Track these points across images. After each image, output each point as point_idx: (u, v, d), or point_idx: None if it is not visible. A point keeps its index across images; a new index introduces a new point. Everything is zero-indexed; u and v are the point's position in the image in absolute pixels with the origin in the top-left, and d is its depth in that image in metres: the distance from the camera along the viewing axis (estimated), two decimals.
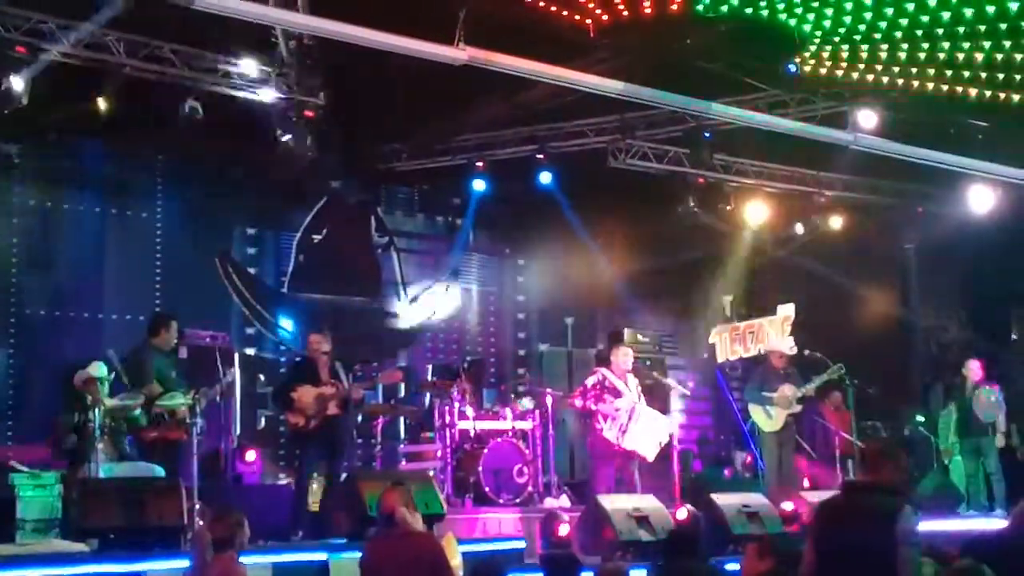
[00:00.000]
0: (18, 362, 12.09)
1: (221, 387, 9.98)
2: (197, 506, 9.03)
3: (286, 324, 13.88)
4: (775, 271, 16.09)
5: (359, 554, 8.41)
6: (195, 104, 10.86)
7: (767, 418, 12.35)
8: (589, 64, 11.13)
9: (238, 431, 11.94)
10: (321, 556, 8.71)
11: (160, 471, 9.59)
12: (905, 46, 11.42)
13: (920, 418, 14.80)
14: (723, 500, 10.32)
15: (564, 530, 9.93)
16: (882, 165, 13.89)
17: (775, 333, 14.33)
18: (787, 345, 12.77)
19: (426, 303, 15.27)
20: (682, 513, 10.17)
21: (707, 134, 13.26)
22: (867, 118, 12.49)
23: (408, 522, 7.20)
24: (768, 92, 12.73)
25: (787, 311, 15.04)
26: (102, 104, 10.58)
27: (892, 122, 12.57)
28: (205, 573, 6.85)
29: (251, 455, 11.80)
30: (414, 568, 6.97)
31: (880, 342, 15.29)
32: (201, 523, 8.38)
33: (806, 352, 12.90)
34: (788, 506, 10.63)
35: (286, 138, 11.36)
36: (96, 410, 9.20)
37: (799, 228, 15.45)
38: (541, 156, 13.84)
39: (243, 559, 8.14)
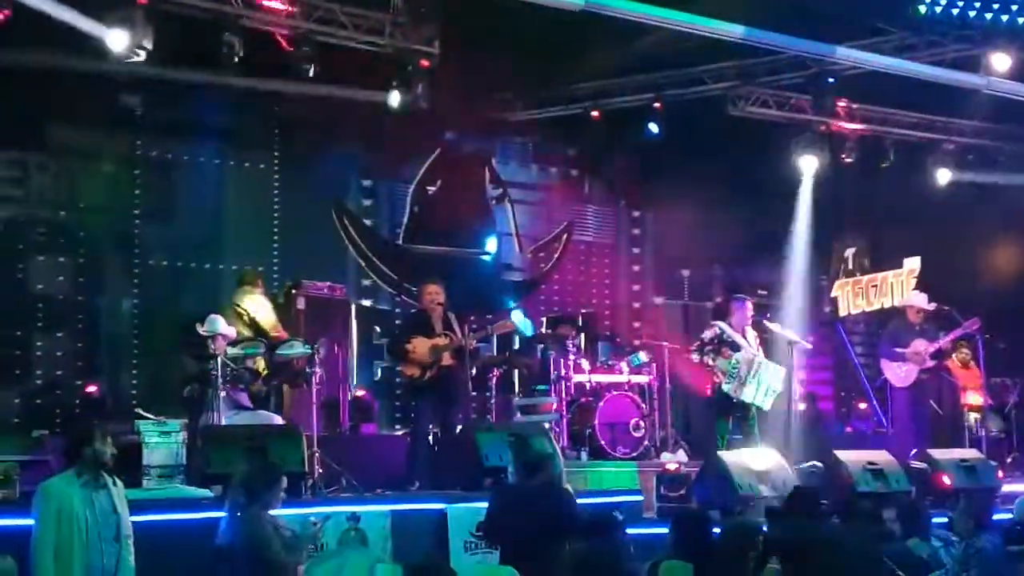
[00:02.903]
0: (141, 312, 12.33)
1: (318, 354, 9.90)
2: (317, 454, 9.12)
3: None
4: (900, 222, 15.54)
5: (476, 504, 8.46)
6: (311, 54, 10.86)
7: (899, 374, 11.97)
8: (709, 8, 10.83)
9: (355, 382, 12.01)
10: (439, 506, 8.73)
11: (279, 420, 9.71)
12: None
13: None
14: (847, 457, 10.08)
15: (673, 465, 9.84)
16: (1016, 110, 13.29)
17: (900, 287, 13.90)
18: (924, 299, 12.32)
19: (541, 255, 15.16)
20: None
21: (831, 79, 12.82)
22: (1001, 61, 11.94)
23: (557, 470, 7.18)
24: (895, 34, 12.24)
25: (913, 264, 14.59)
26: (221, 55, 10.61)
27: None
28: (232, 521, 6.87)
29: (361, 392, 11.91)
30: (547, 521, 6.90)
31: (1011, 296, 14.70)
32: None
33: (933, 305, 12.47)
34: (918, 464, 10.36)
35: (401, 88, 11.30)
36: (217, 359, 9.32)
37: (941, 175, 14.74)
38: (657, 105, 13.54)
39: (362, 507, 8.27)
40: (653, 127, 13.61)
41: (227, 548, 6.74)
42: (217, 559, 6.80)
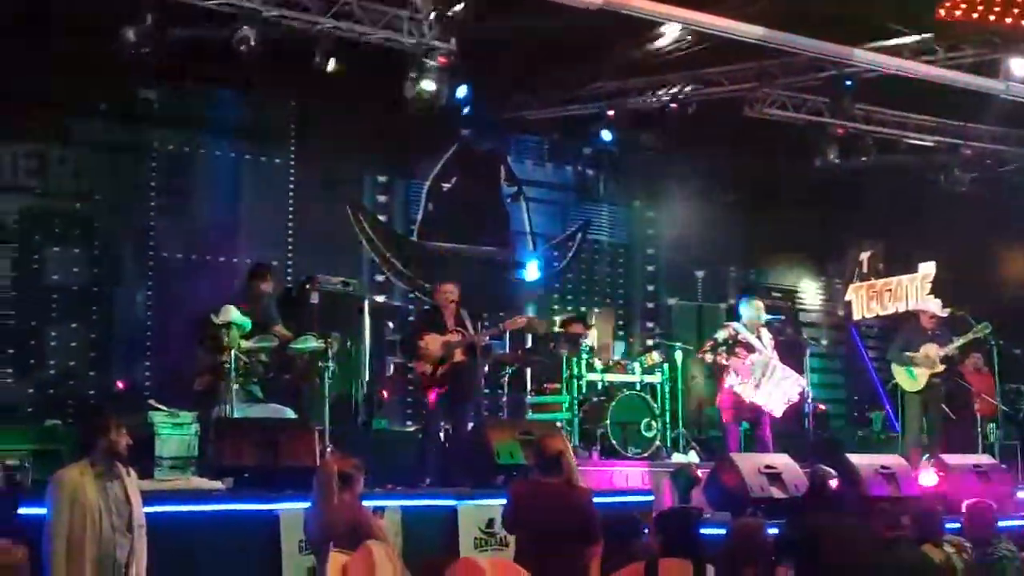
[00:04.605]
0: (155, 304, 12.37)
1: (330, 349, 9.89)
2: (328, 449, 9.11)
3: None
4: (916, 226, 15.49)
5: (486, 501, 8.45)
6: (327, 50, 10.85)
7: (909, 378, 11.92)
8: (727, 9, 10.81)
9: (367, 377, 12.01)
10: (450, 502, 8.72)
11: (291, 413, 9.72)
12: None
13: None
14: (859, 460, 10.05)
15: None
16: None
17: (915, 291, 13.85)
18: (938, 305, 12.28)
19: (555, 254, 15.15)
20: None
21: (849, 82, 12.76)
22: (1020, 66, 11.89)
23: (574, 469, 7.13)
24: (915, 38, 12.20)
25: (928, 269, 14.55)
26: (239, 50, 10.61)
27: None
28: (331, 509, 6.82)
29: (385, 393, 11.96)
30: (566, 519, 6.86)
31: None
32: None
33: (947, 311, 12.41)
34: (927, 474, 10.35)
35: (418, 85, 11.28)
36: (231, 352, 9.33)
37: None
38: (673, 105, 13.49)
39: (373, 503, 8.24)
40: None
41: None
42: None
